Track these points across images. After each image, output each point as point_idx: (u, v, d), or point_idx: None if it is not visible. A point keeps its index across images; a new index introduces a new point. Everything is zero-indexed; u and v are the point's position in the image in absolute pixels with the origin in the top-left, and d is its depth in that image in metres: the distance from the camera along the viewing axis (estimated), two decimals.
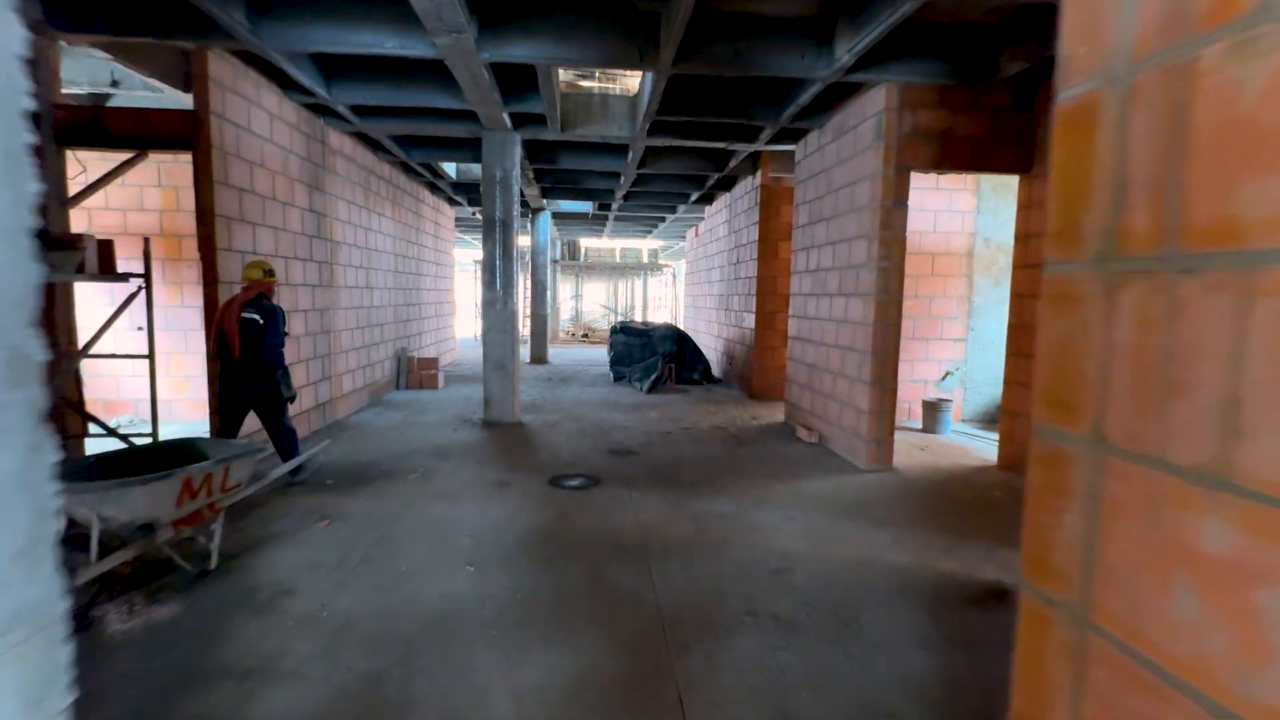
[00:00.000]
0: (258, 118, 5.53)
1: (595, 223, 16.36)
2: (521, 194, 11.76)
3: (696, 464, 5.72)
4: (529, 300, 14.11)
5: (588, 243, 24.66)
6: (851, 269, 5.85)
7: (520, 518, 4.30)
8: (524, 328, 21.34)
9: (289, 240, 6.12)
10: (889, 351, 5.47)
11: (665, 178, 10.31)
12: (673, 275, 22.16)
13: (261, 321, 4.41)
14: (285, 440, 4.68)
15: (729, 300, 10.89)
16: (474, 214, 14.59)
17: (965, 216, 7.42)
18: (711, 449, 6.31)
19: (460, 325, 25.04)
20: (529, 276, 14.66)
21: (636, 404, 8.85)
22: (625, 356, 11.17)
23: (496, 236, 7.17)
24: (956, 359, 7.57)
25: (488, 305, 7.29)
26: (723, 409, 8.53)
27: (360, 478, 5.14)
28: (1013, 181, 7.42)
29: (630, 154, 8.26)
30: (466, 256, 27.75)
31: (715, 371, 11.65)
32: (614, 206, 12.74)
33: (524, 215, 14.57)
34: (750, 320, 9.39)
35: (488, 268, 7.22)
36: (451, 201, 13.31)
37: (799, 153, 7.34)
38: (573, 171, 10.25)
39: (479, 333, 20.43)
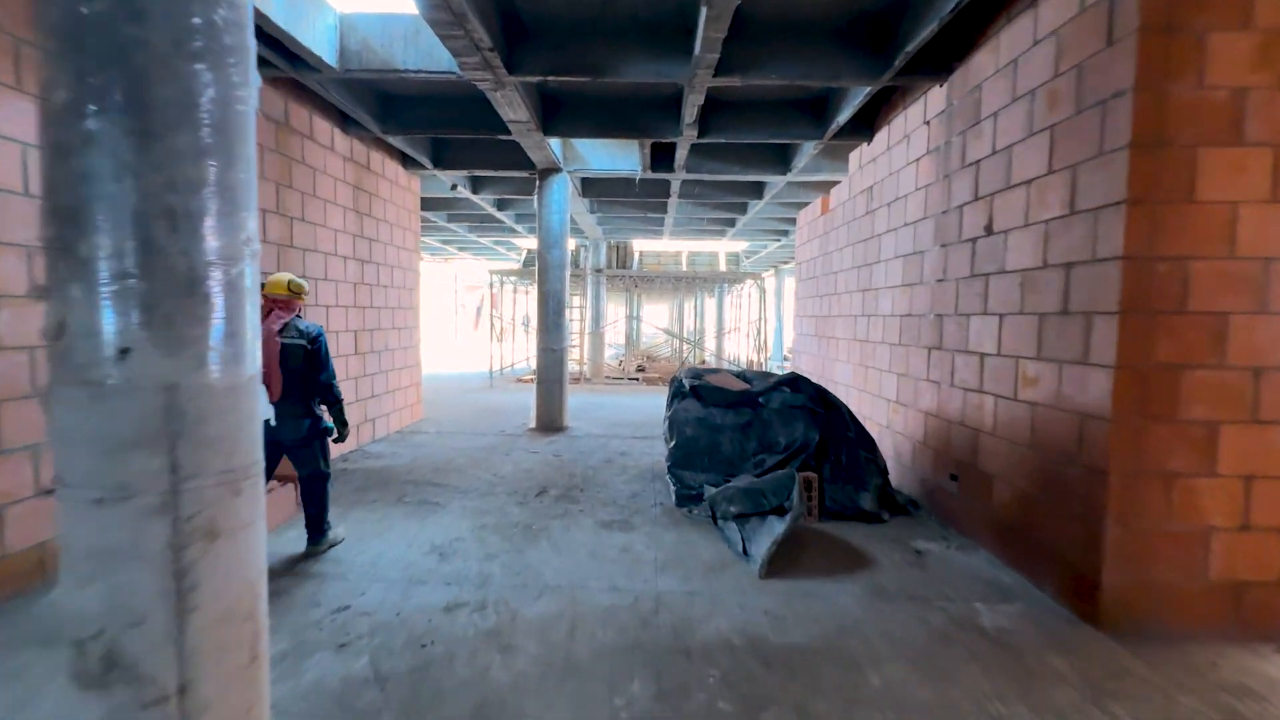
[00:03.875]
0: None
1: (649, 201, 10.64)
2: (507, 127, 5.89)
3: None
4: (537, 327, 8.35)
5: (642, 245, 18.89)
6: None
7: None
8: (525, 358, 15.11)
9: None
10: None
11: (793, 49, 4.51)
12: (759, 290, 16.08)
13: (310, 348, 3.60)
14: (320, 491, 3.75)
15: (951, 329, 4.76)
16: (455, 187, 9.12)
17: None
18: None
19: (463, 355, 18.38)
20: (535, 287, 8.97)
21: (741, 649, 2.89)
22: (705, 450, 5.17)
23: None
24: None
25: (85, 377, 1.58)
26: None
27: None
28: None
29: None
30: (475, 266, 20.89)
31: (894, 480, 5.50)
32: (680, 154, 6.96)
33: (529, 190, 8.95)
34: (1094, 385, 3.28)
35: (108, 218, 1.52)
36: (407, 161, 7.89)
37: None
38: (584, 34, 4.57)
39: (495, 362, 12.84)
